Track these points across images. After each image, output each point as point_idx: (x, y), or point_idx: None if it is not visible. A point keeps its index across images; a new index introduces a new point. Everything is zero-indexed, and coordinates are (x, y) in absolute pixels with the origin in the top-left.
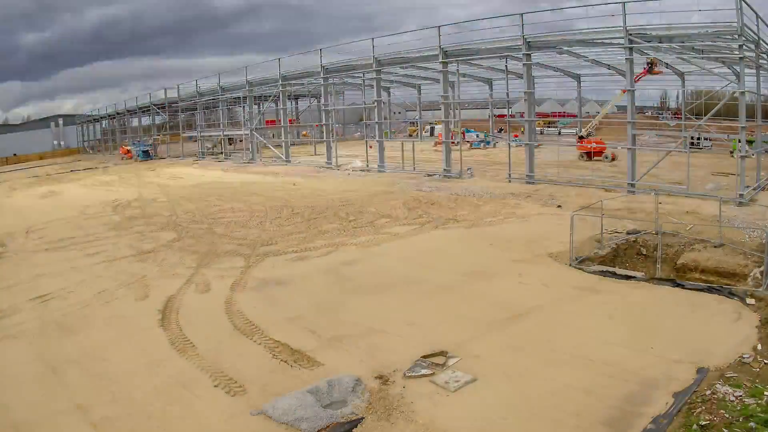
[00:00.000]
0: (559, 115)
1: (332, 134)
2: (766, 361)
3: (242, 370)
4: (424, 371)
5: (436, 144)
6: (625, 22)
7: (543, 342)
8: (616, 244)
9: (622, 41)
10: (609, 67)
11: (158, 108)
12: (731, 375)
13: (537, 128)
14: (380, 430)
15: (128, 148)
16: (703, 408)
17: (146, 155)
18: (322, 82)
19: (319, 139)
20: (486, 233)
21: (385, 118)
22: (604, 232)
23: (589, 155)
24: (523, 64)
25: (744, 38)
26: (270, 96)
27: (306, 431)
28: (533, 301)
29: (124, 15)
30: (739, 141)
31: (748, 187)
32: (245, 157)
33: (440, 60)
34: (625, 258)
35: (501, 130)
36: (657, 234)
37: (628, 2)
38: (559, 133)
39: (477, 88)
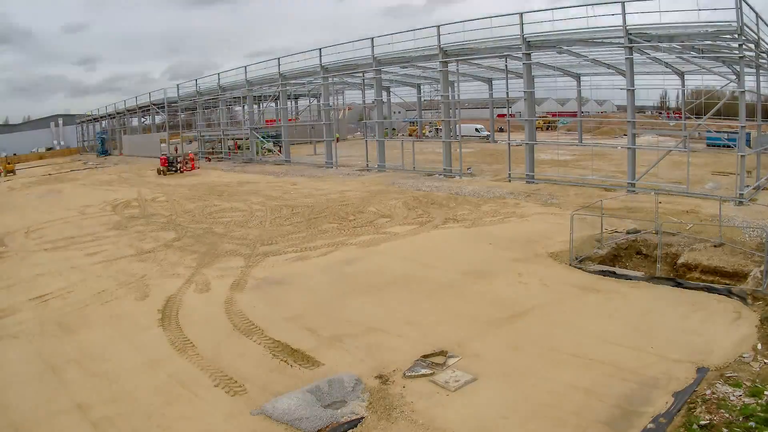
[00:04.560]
0: (558, 115)
1: (333, 134)
2: (766, 361)
3: (242, 370)
4: (424, 371)
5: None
6: (624, 21)
7: (543, 341)
8: (616, 243)
9: (622, 41)
10: (609, 66)
11: (158, 108)
12: (731, 374)
13: None
14: (380, 430)
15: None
16: (703, 407)
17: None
18: (322, 82)
19: (319, 138)
20: (486, 232)
21: (385, 118)
22: (604, 232)
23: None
24: (523, 63)
25: (744, 38)
26: (270, 95)
27: (306, 431)
28: (533, 301)
29: None
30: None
31: (747, 186)
32: (245, 156)
33: (440, 59)
34: (625, 257)
35: (501, 129)
36: (657, 233)
37: (628, 2)
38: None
39: (477, 88)
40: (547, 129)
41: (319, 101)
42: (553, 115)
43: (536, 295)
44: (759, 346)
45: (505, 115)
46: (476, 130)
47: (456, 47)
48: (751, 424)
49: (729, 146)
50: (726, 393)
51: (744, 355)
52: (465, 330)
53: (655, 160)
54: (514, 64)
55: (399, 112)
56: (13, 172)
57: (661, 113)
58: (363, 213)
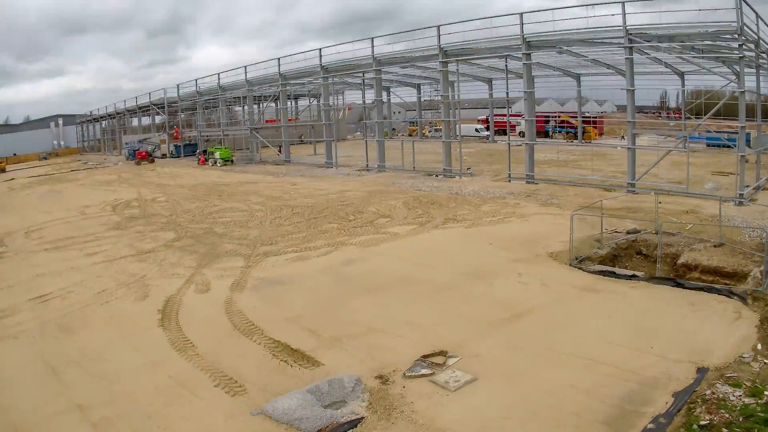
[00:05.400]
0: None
1: (333, 134)
2: (766, 361)
3: (242, 370)
4: (423, 371)
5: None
6: (624, 21)
7: (543, 342)
8: (616, 243)
9: (622, 41)
10: (609, 66)
11: (158, 108)
12: (731, 375)
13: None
14: (380, 430)
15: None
16: (703, 408)
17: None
18: (322, 82)
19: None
20: (486, 233)
21: (385, 118)
22: (604, 232)
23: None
24: (523, 63)
25: (744, 38)
26: (270, 95)
27: (306, 431)
28: (533, 301)
29: None
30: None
31: (747, 186)
32: (245, 156)
33: (440, 59)
34: (624, 258)
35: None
36: (657, 233)
37: (628, 2)
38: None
39: (477, 88)
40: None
41: (319, 101)
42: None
43: (536, 295)
44: (759, 347)
45: (505, 115)
46: (476, 130)
47: (456, 47)
48: (751, 424)
49: (729, 146)
50: (726, 393)
51: (744, 356)
52: (465, 330)
53: (655, 160)
54: (514, 64)
55: (399, 112)
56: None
57: (660, 114)
58: (363, 213)
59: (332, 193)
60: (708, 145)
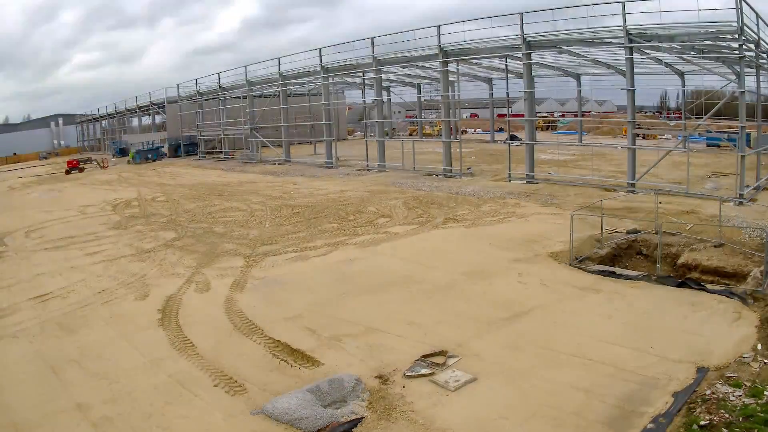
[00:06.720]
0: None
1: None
2: (766, 361)
3: (242, 370)
4: (423, 371)
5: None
6: (625, 21)
7: (543, 342)
8: (616, 243)
9: (622, 41)
10: (609, 66)
11: (158, 107)
12: (731, 375)
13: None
14: (380, 430)
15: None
16: (703, 408)
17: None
18: (322, 82)
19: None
20: (486, 233)
21: (385, 118)
22: (604, 232)
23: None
24: (523, 63)
25: (744, 38)
26: (270, 95)
27: (306, 431)
28: (533, 301)
29: None
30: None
31: (747, 186)
32: (245, 156)
33: (440, 59)
34: (625, 257)
35: (501, 129)
36: (657, 233)
37: (628, 2)
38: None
39: (477, 88)
40: (548, 129)
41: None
42: (562, 115)
43: (536, 295)
44: (759, 347)
45: (506, 114)
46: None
47: (456, 47)
48: (751, 424)
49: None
50: (726, 393)
51: (744, 356)
52: (465, 330)
53: (655, 160)
54: (514, 64)
55: (399, 112)
56: None
57: (660, 114)
58: (363, 213)
59: (332, 192)
60: (708, 145)
